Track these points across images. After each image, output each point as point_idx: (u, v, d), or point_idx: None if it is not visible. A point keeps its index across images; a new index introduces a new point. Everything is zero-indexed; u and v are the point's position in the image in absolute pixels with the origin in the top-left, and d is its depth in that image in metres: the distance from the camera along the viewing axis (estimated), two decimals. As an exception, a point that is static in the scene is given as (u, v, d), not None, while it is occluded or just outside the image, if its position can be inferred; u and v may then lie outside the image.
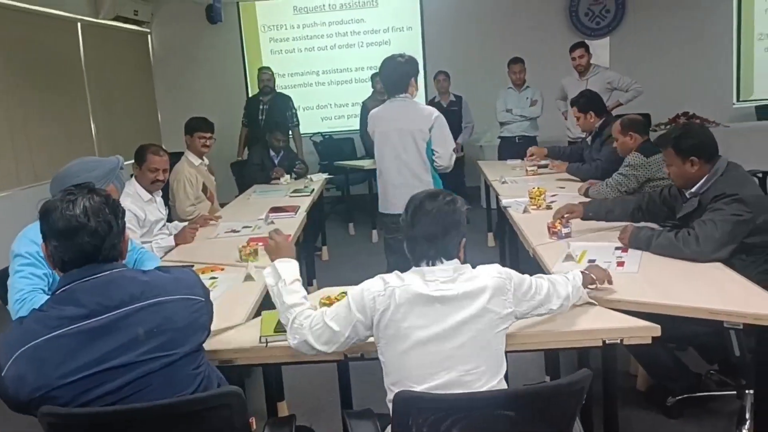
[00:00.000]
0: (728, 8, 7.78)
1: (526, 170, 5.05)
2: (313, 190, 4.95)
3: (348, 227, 6.57)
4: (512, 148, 6.06)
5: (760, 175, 4.83)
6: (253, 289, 2.51)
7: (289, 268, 1.93)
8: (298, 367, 2.18)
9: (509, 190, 4.45)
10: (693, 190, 2.74)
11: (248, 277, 2.61)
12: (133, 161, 3.51)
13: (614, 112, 5.27)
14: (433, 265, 1.78)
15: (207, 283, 2.51)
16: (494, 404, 1.54)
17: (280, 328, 2.08)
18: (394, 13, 8.08)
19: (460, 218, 1.82)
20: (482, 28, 7.76)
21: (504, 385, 1.79)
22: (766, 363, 2.11)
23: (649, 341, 1.98)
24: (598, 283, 2.21)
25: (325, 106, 8.28)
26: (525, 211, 3.69)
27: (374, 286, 1.77)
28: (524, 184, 4.44)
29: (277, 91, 6.68)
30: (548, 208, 3.75)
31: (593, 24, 7.76)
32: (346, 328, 1.78)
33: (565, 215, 3.09)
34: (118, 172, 2.52)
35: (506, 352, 1.92)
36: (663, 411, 2.82)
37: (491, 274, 1.81)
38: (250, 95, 6.50)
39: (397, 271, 1.81)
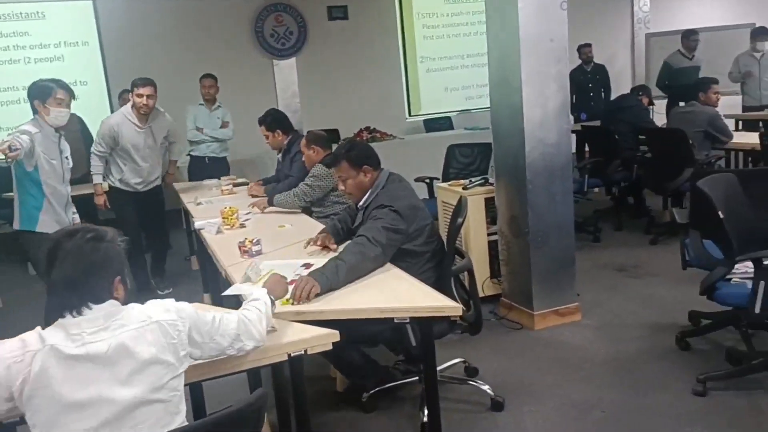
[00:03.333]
0: (394, 34, 8.76)
1: (222, 190, 5.01)
2: (-29, 229, 4.22)
3: (27, 266, 5.75)
4: (203, 169, 5.94)
5: (428, 180, 5.48)
6: None
7: None
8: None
9: (205, 211, 4.35)
10: (360, 203, 2.99)
11: None
12: None
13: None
14: (79, 314, 1.55)
15: None
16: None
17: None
18: (64, 26, 7.34)
19: (107, 256, 1.61)
20: (169, 45, 7.49)
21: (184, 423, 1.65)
22: (429, 348, 2.39)
23: (330, 347, 2.07)
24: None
25: (-15, 130, 7.16)
26: (218, 231, 3.65)
27: (10, 351, 1.51)
28: (220, 204, 4.38)
29: None
30: (242, 226, 3.76)
31: (279, 45, 8.06)
32: None
33: (318, 244, 3.05)
34: None
35: (206, 380, 1.84)
36: (359, 407, 3.01)
37: (155, 315, 1.61)
38: None
39: (39, 329, 1.56)
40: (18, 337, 1.55)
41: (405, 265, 2.74)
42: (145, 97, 4.65)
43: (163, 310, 1.65)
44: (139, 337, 1.56)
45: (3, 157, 3.28)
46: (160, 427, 1.57)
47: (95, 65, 7.45)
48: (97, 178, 4.78)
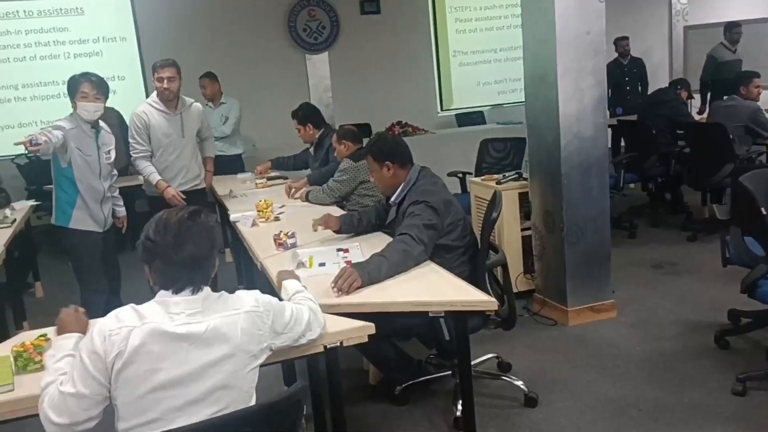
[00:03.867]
0: (426, 29, 8.72)
1: (256, 183, 5.06)
2: (15, 220, 4.34)
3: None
4: (216, 168, 5.87)
5: (461, 175, 5.45)
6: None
7: (65, 344, 1.73)
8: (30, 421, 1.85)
9: (239, 204, 4.41)
10: (392, 199, 3.01)
11: None
12: None
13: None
14: (199, 291, 1.63)
15: None
16: (218, 430, 1.50)
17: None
18: (102, 22, 7.49)
19: (217, 238, 1.72)
20: (202, 41, 7.57)
21: None
22: (464, 342, 2.39)
23: (366, 339, 2.09)
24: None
25: (29, 123, 7.33)
26: (253, 224, 3.69)
27: (106, 325, 1.55)
28: (254, 198, 4.43)
29: None
30: (276, 219, 3.80)
31: (312, 39, 8.09)
32: (87, 385, 1.53)
33: (320, 225, 3.19)
34: None
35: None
36: (392, 401, 3.02)
37: (247, 305, 1.69)
38: None
39: (133, 305, 1.61)
40: (111, 313, 1.59)
41: (439, 260, 2.74)
42: (165, 80, 4.10)
43: (252, 300, 1.72)
44: (233, 324, 1.63)
45: (25, 150, 3.29)
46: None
47: (133, 60, 7.58)
48: (154, 177, 4.24)
